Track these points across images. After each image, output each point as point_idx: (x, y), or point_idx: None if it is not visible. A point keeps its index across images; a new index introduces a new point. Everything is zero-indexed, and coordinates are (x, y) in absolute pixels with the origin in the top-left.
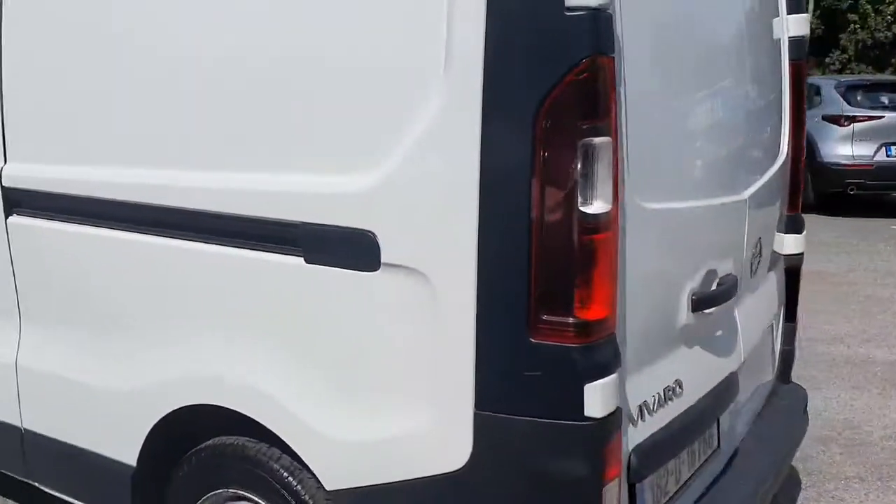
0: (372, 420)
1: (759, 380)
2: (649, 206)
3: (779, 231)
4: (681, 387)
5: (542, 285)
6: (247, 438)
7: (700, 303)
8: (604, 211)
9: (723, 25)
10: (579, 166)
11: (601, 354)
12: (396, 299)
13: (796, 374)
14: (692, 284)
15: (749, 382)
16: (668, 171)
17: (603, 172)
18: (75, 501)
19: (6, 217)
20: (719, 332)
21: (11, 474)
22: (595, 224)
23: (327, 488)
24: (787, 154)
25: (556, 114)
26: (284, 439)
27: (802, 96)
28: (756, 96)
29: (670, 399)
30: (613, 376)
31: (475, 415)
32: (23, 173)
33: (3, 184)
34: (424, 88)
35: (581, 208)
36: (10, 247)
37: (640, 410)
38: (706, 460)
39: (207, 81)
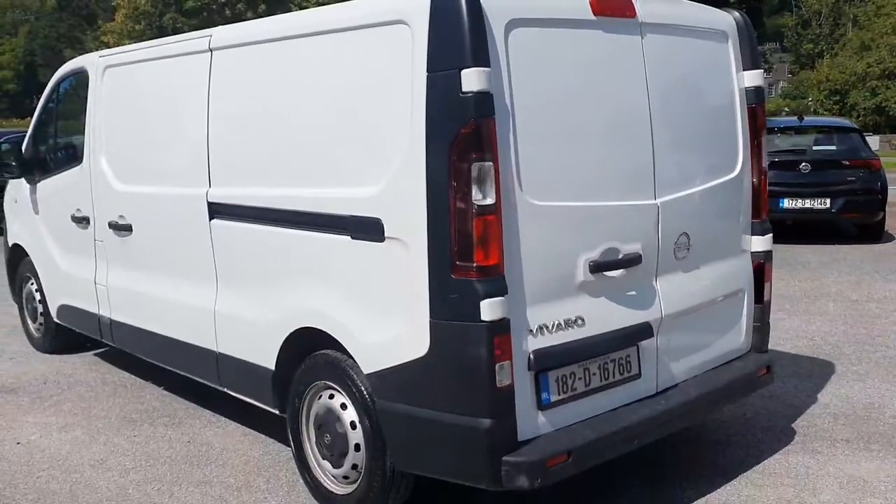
0: (381, 329)
1: (713, 341)
2: (539, 203)
3: (746, 233)
4: (582, 321)
5: (457, 245)
6: (331, 350)
7: (597, 267)
8: (490, 202)
9: (627, 88)
10: (473, 178)
11: (492, 285)
12: (393, 257)
13: None
14: (589, 254)
15: (687, 338)
16: (558, 182)
17: (488, 181)
18: (244, 397)
19: (210, 220)
20: (632, 292)
21: (209, 383)
22: (484, 210)
23: (364, 372)
24: (742, 175)
25: (458, 150)
26: (343, 344)
27: (760, 133)
28: (683, 137)
29: (571, 327)
30: (500, 298)
31: (430, 322)
32: (218, 193)
33: (209, 199)
34: (400, 139)
35: (475, 201)
36: (212, 238)
37: (541, 329)
38: (623, 380)
39: (299, 142)
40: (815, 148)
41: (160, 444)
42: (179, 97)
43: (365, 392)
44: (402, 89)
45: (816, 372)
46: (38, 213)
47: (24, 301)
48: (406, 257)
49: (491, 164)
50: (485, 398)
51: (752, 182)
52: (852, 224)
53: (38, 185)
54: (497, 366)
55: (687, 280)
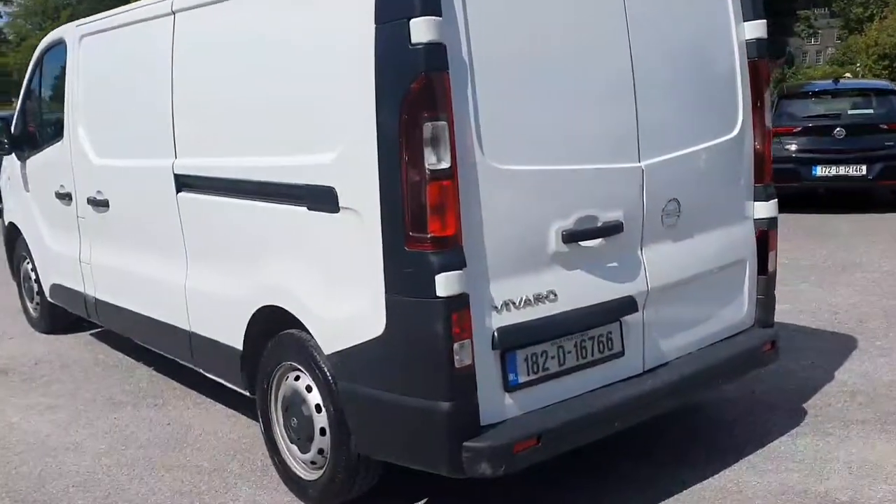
0: (340, 307)
1: (710, 315)
2: (503, 167)
3: (748, 199)
4: (555, 295)
5: (410, 215)
6: (295, 329)
7: (571, 237)
8: (445, 167)
9: (605, 35)
10: (425, 139)
11: (448, 258)
12: (349, 228)
13: None
14: (562, 223)
15: (679, 312)
16: (525, 144)
17: (442, 142)
18: (216, 378)
19: (177, 193)
20: (613, 264)
21: (185, 363)
22: (438, 176)
23: (326, 353)
24: (742, 135)
25: (409, 108)
26: (304, 323)
27: (763, 89)
28: (673, 94)
29: (542, 302)
30: (458, 272)
31: (385, 299)
32: (183, 165)
33: (175, 171)
34: (352, 99)
35: (428, 166)
36: (180, 212)
37: (506, 304)
38: (604, 358)
39: (258, 107)
40: (850, 112)
41: (140, 427)
42: (147, 64)
43: (328, 373)
44: (351, 44)
45: (837, 347)
46: (28, 190)
47: (21, 280)
48: (361, 229)
49: (445, 123)
50: (443, 379)
51: (755, 143)
52: (889, 192)
53: (27, 161)
54: (455, 345)
55: (678, 250)
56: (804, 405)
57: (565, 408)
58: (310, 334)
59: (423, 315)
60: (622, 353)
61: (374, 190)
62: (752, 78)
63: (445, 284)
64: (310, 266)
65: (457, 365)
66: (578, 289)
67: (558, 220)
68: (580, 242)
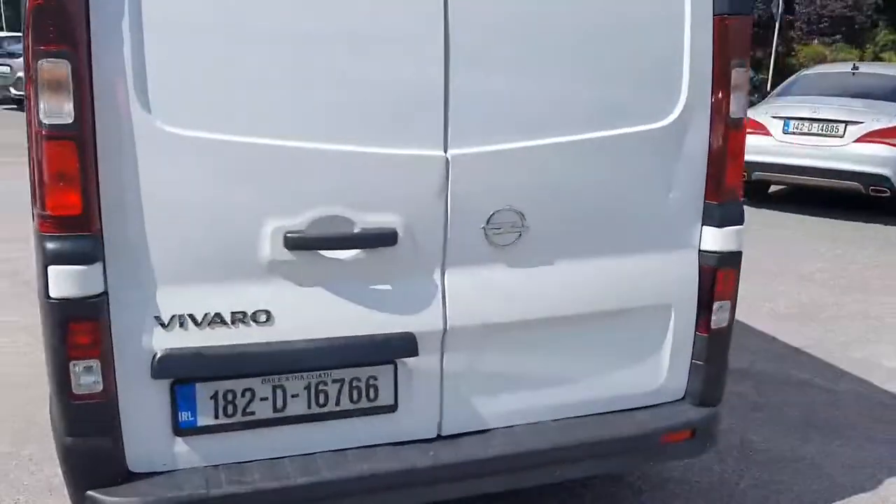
0: None
1: (583, 376)
2: (183, 132)
3: (691, 221)
4: (269, 317)
5: (34, 184)
6: None
7: (302, 243)
8: (66, 122)
9: None
10: (40, 81)
11: (67, 247)
12: None
13: None
14: (286, 222)
15: (518, 364)
16: (227, 104)
17: (62, 87)
18: None
19: None
20: (383, 286)
21: None
22: (52, 133)
23: None
24: (683, 125)
25: (30, 37)
26: None
27: (731, 61)
28: (532, 55)
29: (244, 323)
30: (81, 267)
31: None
32: None
33: None
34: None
35: (42, 118)
36: None
37: (182, 320)
38: (356, 410)
39: None
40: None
41: None
42: None
43: None
44: None
45: None
46: None
47: None
48: None
49: (66, 61)
50: (61, 408)
51: (708, 139)
52: None
53: None
54: (72, 364)
55: (516, 279)
56: None
57: (266, 469)
58: None
59: (45, 319)
60: (393, 408)
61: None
62: (717, 43)
63: (58, 281)
64: None
65: (75, 391)
66: (315, 313)
67: (279, 216)
68: (320, 251)
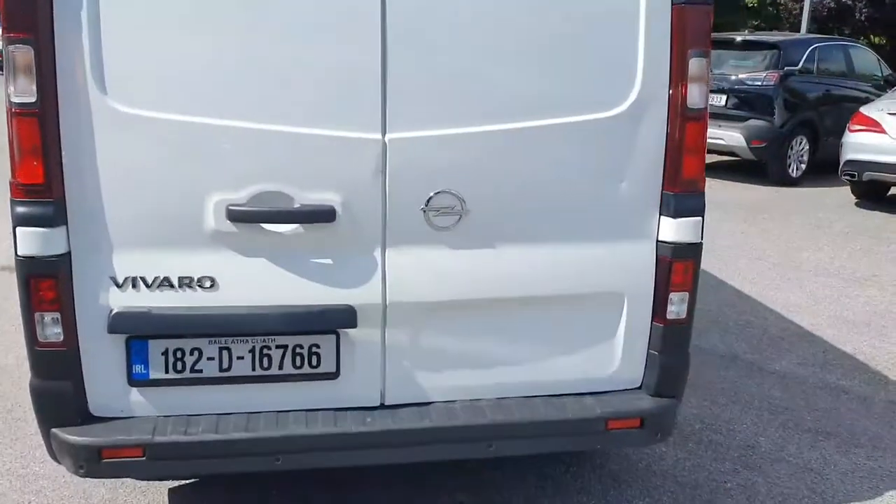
0: None
1: (532, 358)
2: (134, 112)
3: (647, 211)
4: (214, 283)
5: (10, 156)
6: None
7: (244, 216)
8: (29, 100)
9: None
10: (12, 65)
11: (34, 210)
12: None
13: None
14: (228, 196)
15: (462, 342)
16: (177, 87)
17: (27, 70)
18: None
19: None
20: (322, 260)
21: None
22: (19, 111)
23: None
24: (637, 113)
25: (4, 23)
26: None
27: (690, 48)
28: (470, 39)
29: (192, 287)
30: (45, 230)
31: None
32: None
33: None
34: None
35: (12, 98)
36: None
37: (135, 282)
38: (299, 375)
39: None
40: None
41: None
42: None
43: None
44: None
45: None
46: None
47: None
48: None
49: (29, 47)
50: (30, 353)
51: (665, 128)
52: None
53: None
54: (37, 315)
55: (458, 261)
56: None
57: (210, 422)
58: None
59: (17, 277)
60: (335, 376)
61: None
62: (676, 30)
63: (24, 241)
64: None
65: (40, 339)
66: (258, 282)
67: (221, 190)
68: (262, 224)
